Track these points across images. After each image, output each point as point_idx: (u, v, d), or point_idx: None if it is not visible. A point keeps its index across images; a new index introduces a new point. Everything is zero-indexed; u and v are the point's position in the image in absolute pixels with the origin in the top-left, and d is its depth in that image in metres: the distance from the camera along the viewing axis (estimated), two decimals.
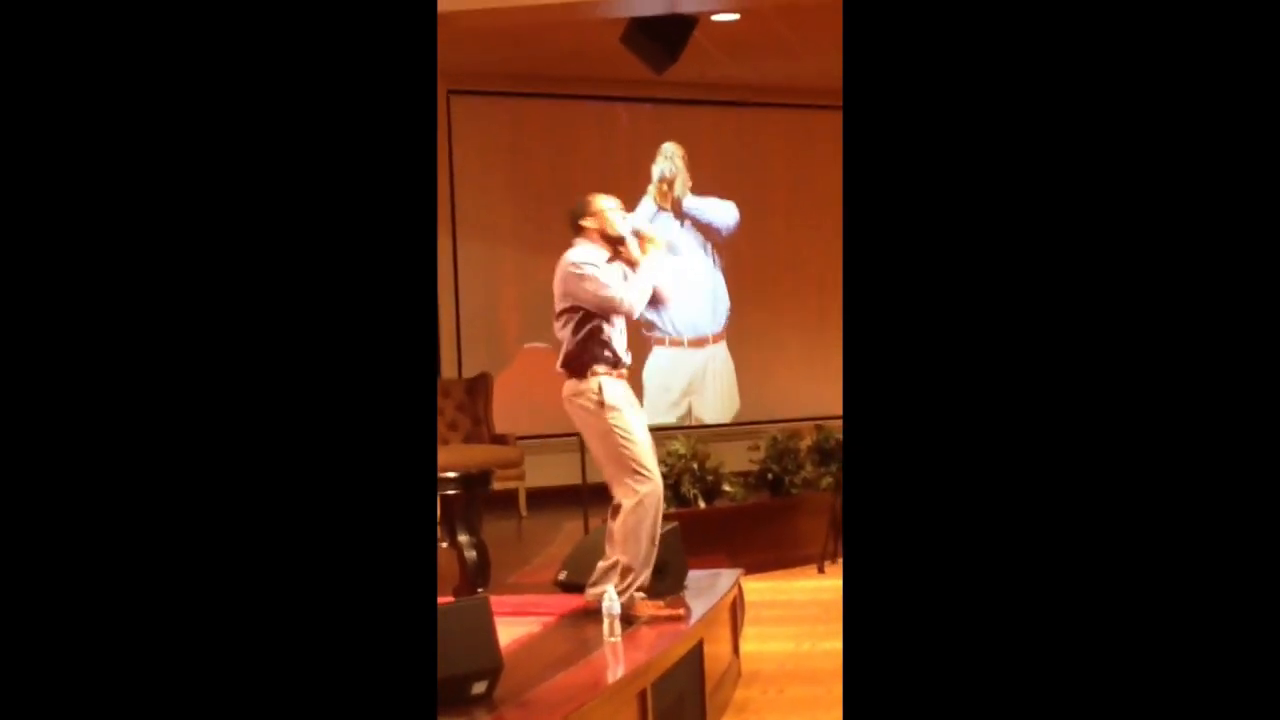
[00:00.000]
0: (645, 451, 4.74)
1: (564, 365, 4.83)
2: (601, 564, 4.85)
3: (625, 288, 4.78)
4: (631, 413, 4.77)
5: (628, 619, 4.60)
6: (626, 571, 4.69)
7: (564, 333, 4.83)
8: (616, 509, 4.81)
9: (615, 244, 4.90)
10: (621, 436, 4.70)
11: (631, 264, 4.88)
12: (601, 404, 4.72)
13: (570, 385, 4.80)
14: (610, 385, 4.75)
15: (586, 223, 4.91)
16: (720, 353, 10.63)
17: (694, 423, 10.33)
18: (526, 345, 10.16)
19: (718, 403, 10.63)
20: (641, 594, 4.71)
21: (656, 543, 4.76)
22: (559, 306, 4.86)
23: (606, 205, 4.94)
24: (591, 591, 4.82)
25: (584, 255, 4.84)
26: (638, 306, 4.82)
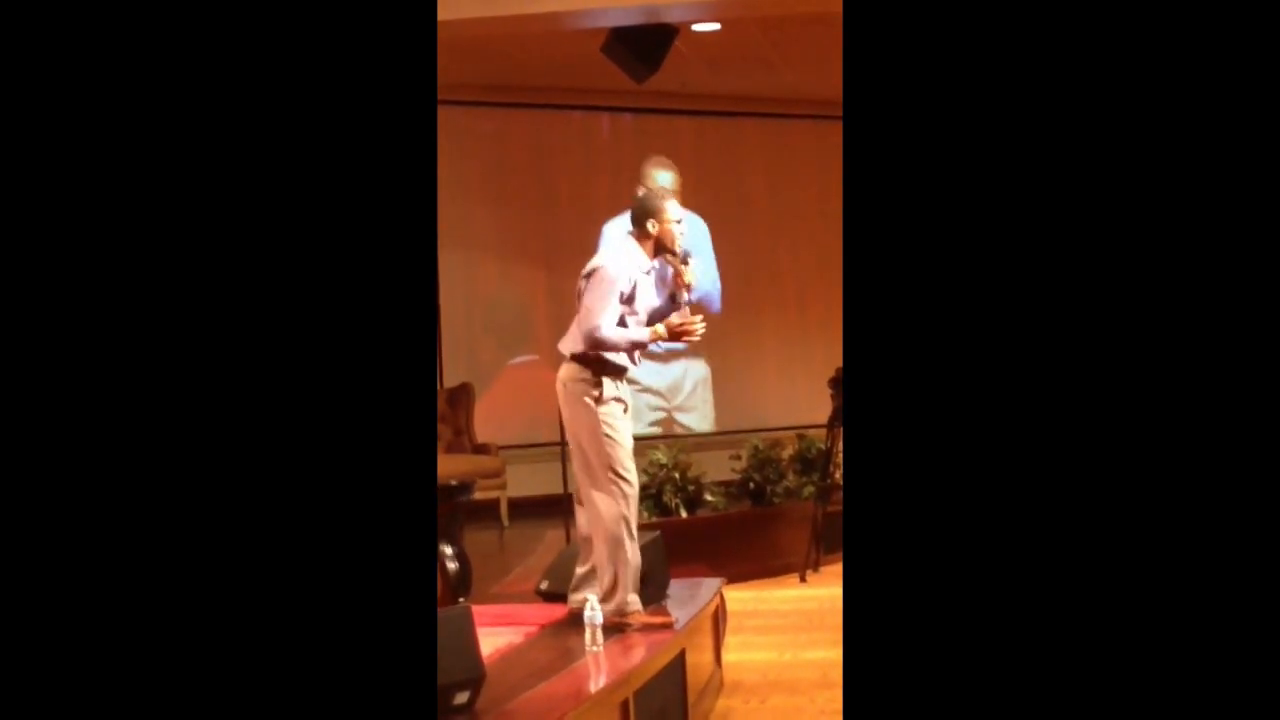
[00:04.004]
0: (627, 455, 4.71)
1: (574, 347, 4.69)
2: (580, 570, 4.85)
3: (613, 331, 4.63)
4: (622, 416, 4.74)
5: (620, 626, 4.60)
6: (615, 580, 4.69)
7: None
8: (586, 511, 4.78)
9: (669, 253, 4.78)
10: (607, 434, 4.67)
11: (684, 285, 4.77)
12: (598, 399, 4.66)
13: (570, 370, 4.72)
14: (610, 385, 4.70)
15: (649, 227, 4.74)
16: (697, 366, 10.60)
17: (673, 432, 10.32)
18: (513, 361, 10.14)
19: (695, 416, 10.61)
20: (636, 597, 4.71)
21: (635, 541, 4.74)
22: (579, 294, 4.75)
23: (675, 216, 4.77)
24: (574, 598, 4.81)
25: (621, 268, 4.67)
26: (603, 348, 4.65)
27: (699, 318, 4.78)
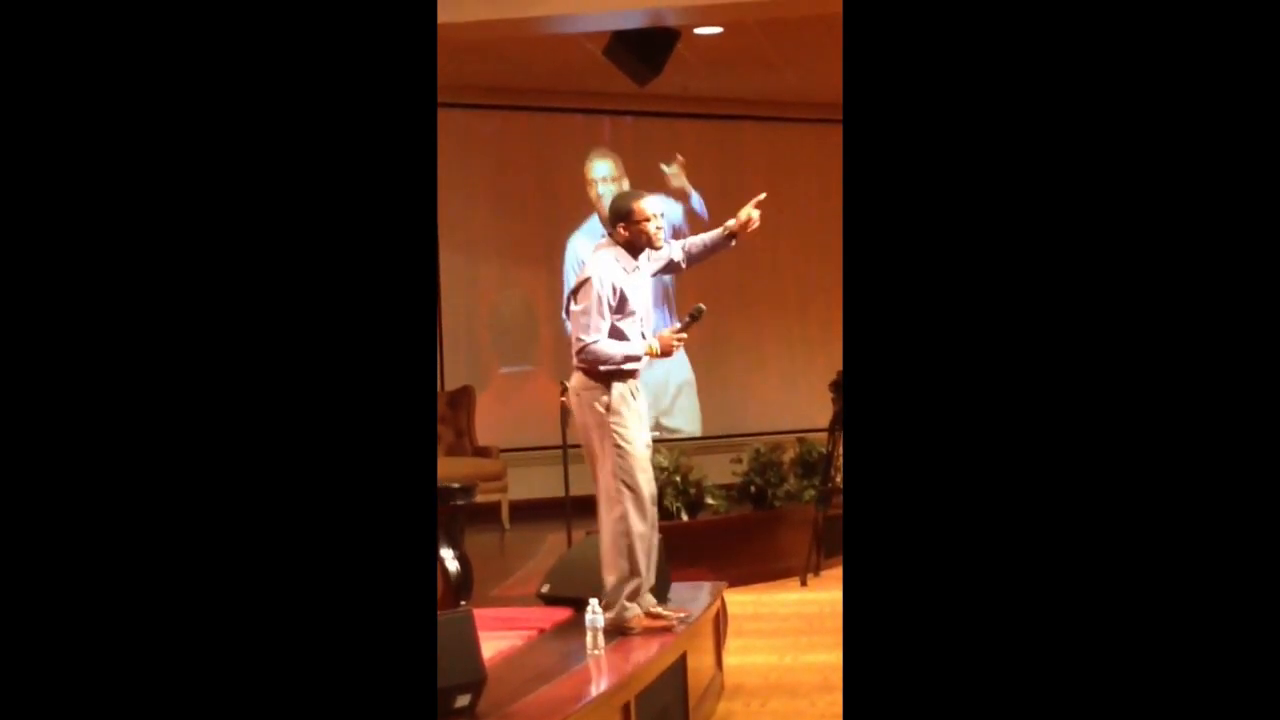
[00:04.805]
0: (638, 464, 4.68)
1: (579, 361, 4.69)
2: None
3: (604, 344, 4.62)
4: (635, 423, 4.71)
5: (621, 631, 4.59)
6: (614, 587, 4.68)
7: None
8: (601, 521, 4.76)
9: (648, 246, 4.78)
10: (619, 444, 4.65)
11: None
12: (608, 407, 4.64)
13: (580, 379, 4.70)
14: (619, 390, 4.67)
15: (621, 230, 4.73)
16: (680, 369, 10.56)
17: (662, 433, 10.29)
18: (503, 370, 10.13)
19: (680, 419, 10.57)
20: (635, 605, 4.70)
21: (646, 553, 4.71)
22: (566, 308, 4.78)
23: (650, 212, 4.73)
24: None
25: (605, 277, 4.66)
26: (591, 360, 4.64)
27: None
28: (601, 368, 4.65)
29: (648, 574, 4.72)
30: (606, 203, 9.91)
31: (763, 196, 4.96)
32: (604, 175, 10.26)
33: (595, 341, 4.62)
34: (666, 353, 4.78)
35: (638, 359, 4.71)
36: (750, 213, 4.93)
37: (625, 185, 10.22)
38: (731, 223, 4.95)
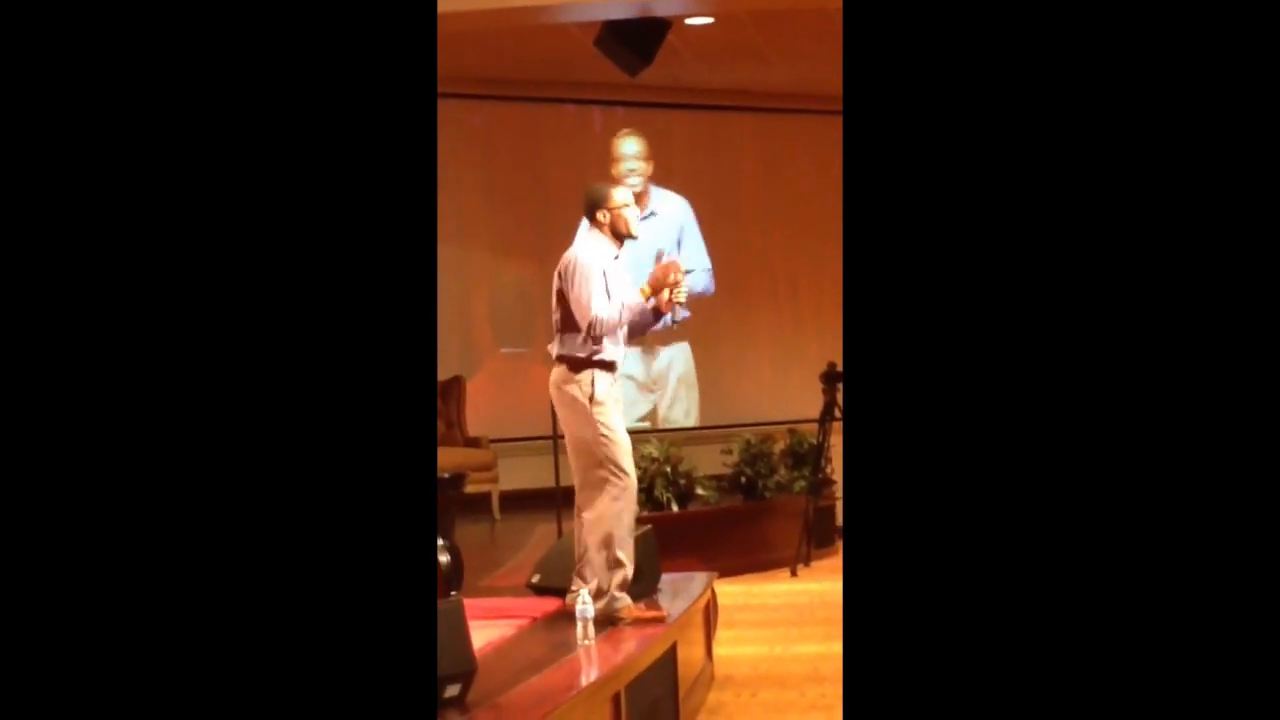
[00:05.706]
0: (624, 452, 4.71)
1: (559, 355, 4.75)
2: (577, 568, 4.84)
3: (607, 308, 4.67)
4: (616, 411, 4.74)
5: (611, 621, 4.60)
6: (608, 579, 4.68)
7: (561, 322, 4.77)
8: (582, 508, 4.78)
9: (625, 240, 4.84)
10: (604, 434, 4.67)
11: (673, 304, 4.84)
12: (591, 398, 4.66)
13: (560, 373, 4.73)
14: (601, 380, 4.69)
15: (600, 216, 4.80)
16: (681, 358, 10.56)
17: (660, 424, 10.29)
18: (502, 350, 10.15)
19: (679, 409, 10.58)
20: (625, 595, 4.70)
21: (633, 541, 4.74)
22: (556, 294, 4.80)
23: (622, 201, 4.81)
24: (572, 594, 4.82)
25: (592, 256, 4.74)
26: (607, 330, 4.68)
27: (677, 266, 4.86)
28: (594, 351, 4.66)
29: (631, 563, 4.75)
30: (629, 181, 9.99)
31: (675, 260, 4.95)
32: (634, 153, 10.23)
33: (602, 310, 4.65)
34: (658, 289, 4.79)
35: (643, 311, 4.75)
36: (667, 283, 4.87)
37: (649, 170, 10.23)
38: (646, 289, 4.88)
